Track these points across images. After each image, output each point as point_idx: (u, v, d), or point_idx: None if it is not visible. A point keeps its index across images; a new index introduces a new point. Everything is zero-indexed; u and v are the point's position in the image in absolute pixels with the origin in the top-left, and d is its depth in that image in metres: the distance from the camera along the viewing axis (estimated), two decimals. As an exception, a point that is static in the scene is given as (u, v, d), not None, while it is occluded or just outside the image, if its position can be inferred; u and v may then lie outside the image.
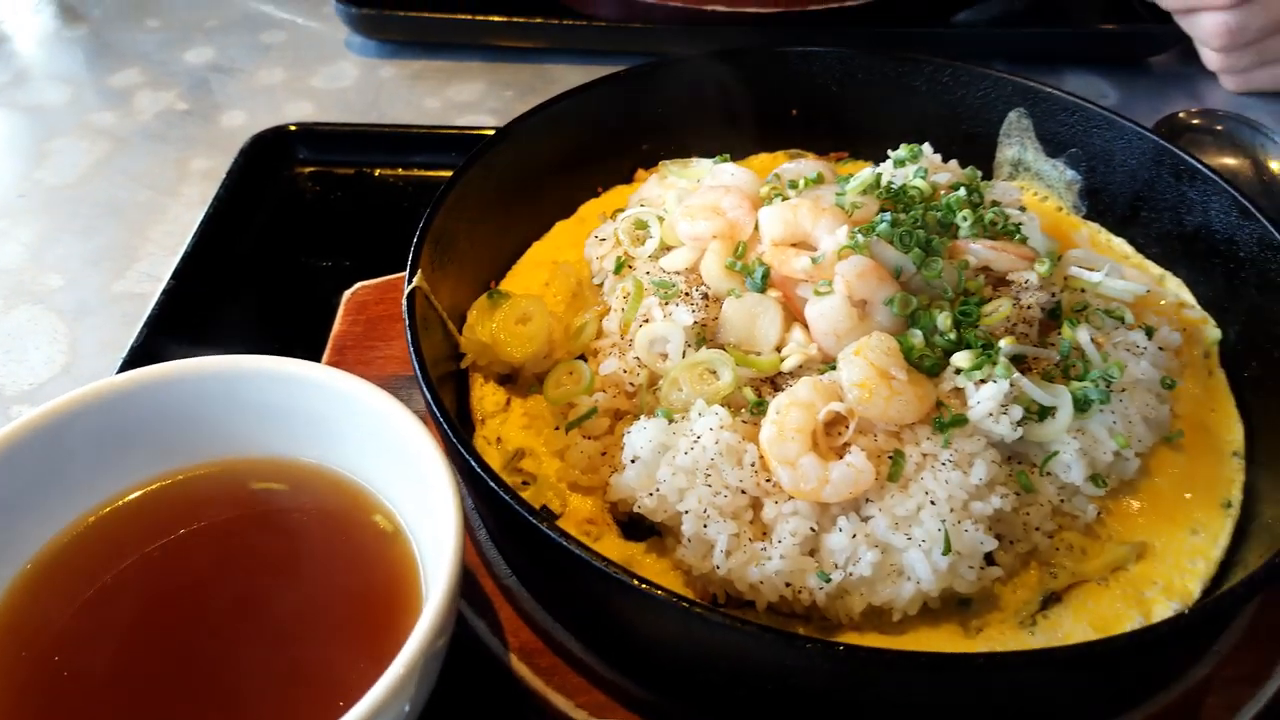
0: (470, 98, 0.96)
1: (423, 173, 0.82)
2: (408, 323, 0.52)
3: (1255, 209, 0.59)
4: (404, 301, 0.53)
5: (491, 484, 0.45)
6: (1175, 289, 0.66)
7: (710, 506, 0.50)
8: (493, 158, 0.64)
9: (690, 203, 0.62)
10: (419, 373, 0.50)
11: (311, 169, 0.81)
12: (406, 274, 0.54)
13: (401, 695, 0.38)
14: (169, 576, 0.47)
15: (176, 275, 0.70)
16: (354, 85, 0.96)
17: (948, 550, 0.48)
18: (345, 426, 0.48)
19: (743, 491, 0.50)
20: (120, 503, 0.49)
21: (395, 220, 0.75)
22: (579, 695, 0.48)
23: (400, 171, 0.82)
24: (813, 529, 0.49)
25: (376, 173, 0.81)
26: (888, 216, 0.56)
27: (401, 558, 0.46)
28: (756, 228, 0.59)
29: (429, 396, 0.49)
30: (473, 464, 0.46)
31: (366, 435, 0.47)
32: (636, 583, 0.41)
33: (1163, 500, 0.55)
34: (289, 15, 1.06)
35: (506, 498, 0.44)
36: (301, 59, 1.00)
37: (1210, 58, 0.91)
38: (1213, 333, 0.63)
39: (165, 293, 0.72)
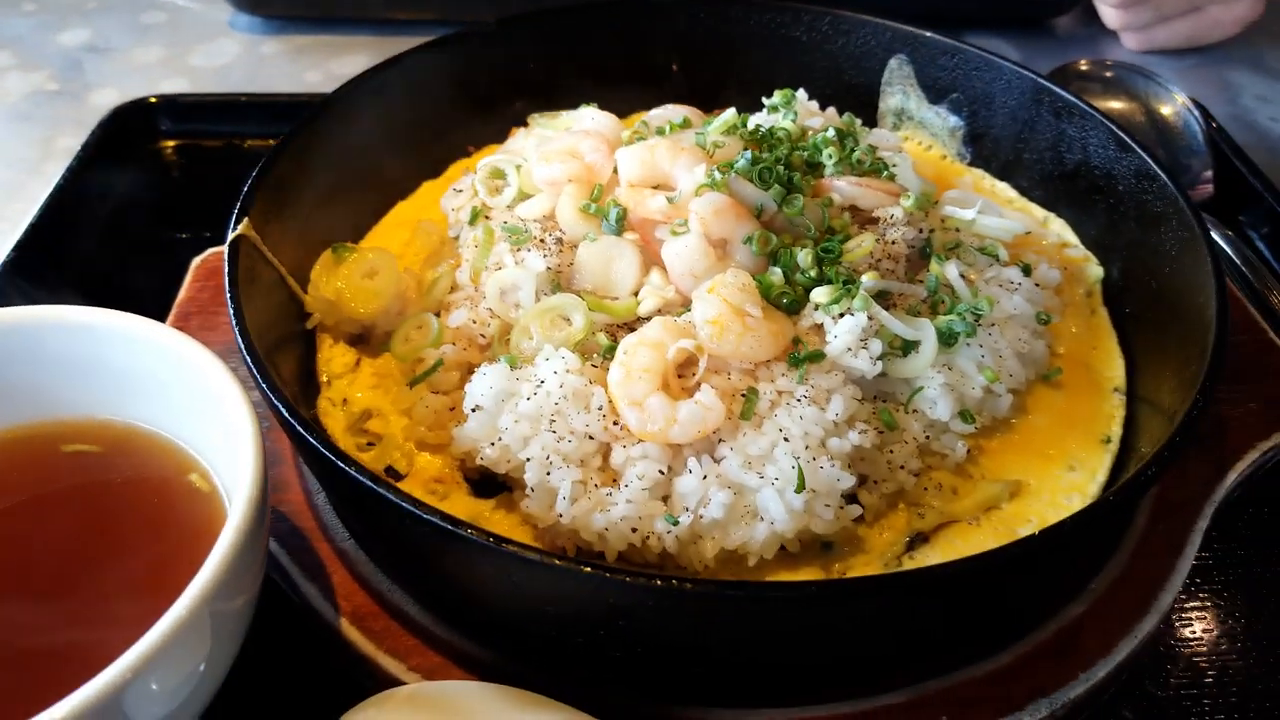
0: (353, 69, 0.92)
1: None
2: (226, 273, 0.48)
3: (1132, 141, 0.58)
4: (225, 252, 0.50)
5: (315, 443, 0.42)
6: (1059, 230, 0.64)
7: (554, 454, 0.47)
8: (345, 111, 0.61)
9: (547, 148, 0.59)
10: (236, 326, 0.46)
11: (176, 142, 0.77)
12: (231, 223, 0.51)
13: (178, 648, 0.34)
14: None
15: (19, 247, 0.66)
16: (233, 62, 0.93)
17: (801, 488, 0.45)
18: (157, 379, 0.45)
19: (590, 437, 0.47)
20: None
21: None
22: (412, 658, 0.45)
23: (272, 142, 0.78)
24: (662, 472, 0.47)
25: (247, 144, 0.78)
26: (748, 155, 0.54)
27: (216, 517, 0.43)
28: (616, 172, 0.57)
29: (245, 348, 0.45)
30: (295, 424, 0.42)
31: (178, 387, 0.44)
32: (468, 532, 0.38)
33: (1039, 437, 0.53)
34: (168, 3, 1.02)
35: (328, 454, 0.41)
36: (181, 38, 0.96)
37: (1110, 15, 0.91)
38: (1095, 270, 0.61)
39: (6, 263, 0.68)
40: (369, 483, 0.39)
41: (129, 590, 0.41)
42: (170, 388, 0.44)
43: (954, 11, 0.95)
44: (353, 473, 0.40)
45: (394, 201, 0.66)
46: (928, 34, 0.68)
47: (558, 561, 0.37)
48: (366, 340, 0.57)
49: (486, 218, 0.58)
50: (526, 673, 0.42)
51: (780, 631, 0.40)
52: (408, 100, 0.66)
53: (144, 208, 0.72)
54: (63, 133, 0.83)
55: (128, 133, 0.76)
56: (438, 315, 0.56)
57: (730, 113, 0.59)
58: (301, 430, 0.42)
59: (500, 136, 0.69)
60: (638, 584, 0.37)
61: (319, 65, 0.92)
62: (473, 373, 0.53)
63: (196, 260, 0.64)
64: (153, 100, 0.76)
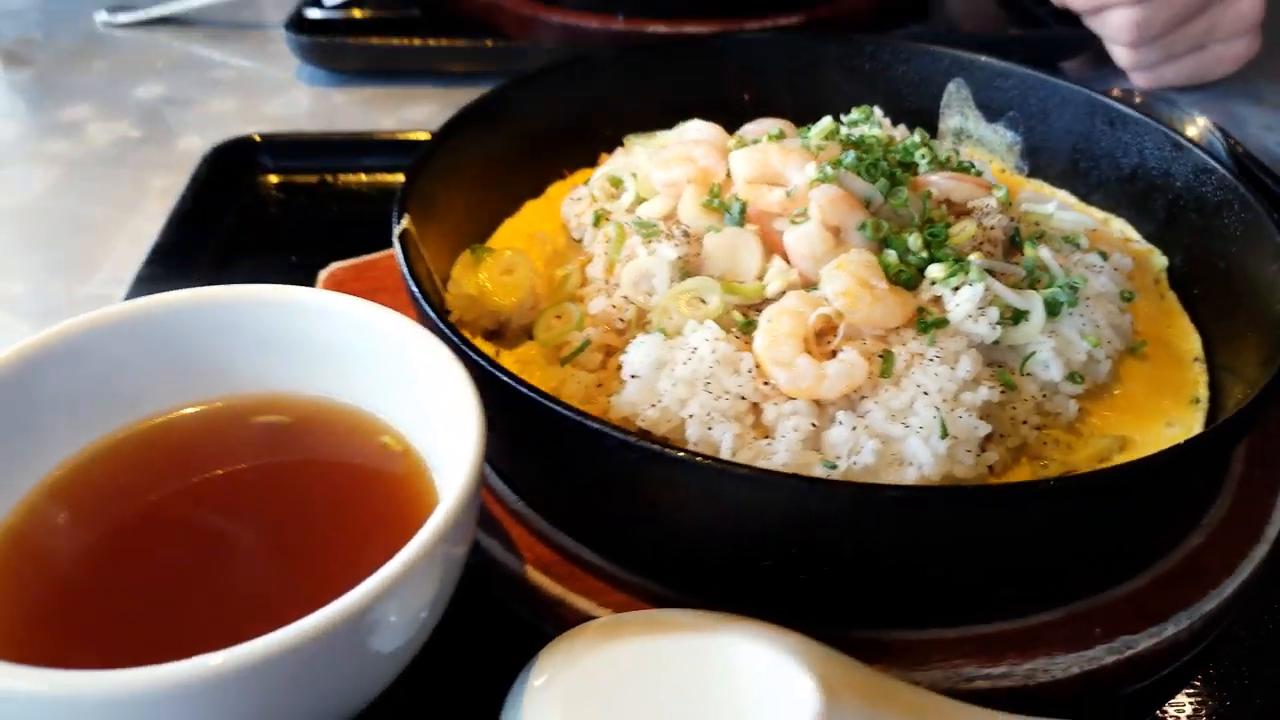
0: (423, 117, 0.98)
1: (385, 177, 0.83)
2: (404, 260, 0.52)
3: (1186, 140, 0.64)
4: (396, 243, 0.54)
5: (506, 379, 0.45)
6: (1120, 228, 0.70)
7: (713, 410, 0.50)
8: (464, 129, 0.66)
9: (662, 155, 0.64)
10: (425, 303, 0.50)
11: (274, 177, 0.82)
12: (395, 215, 0.55)
13: (414, 581, 0.37)
14: (172, 505, 0.46)
15: (142, 276, 0.69)
16: (307, 111, 0.97)
17: (945, 434, 0.49)
18: (350, 352, 0.48)
19: (742, 398, 0.51)
20: (119, 437, 0.48)
21: (360, 223, 0.76)
22: (601, 596, 0.47)
23: (363, 177, 0.83)
24: (813, 425, 0.50)
25: (339, 179, 0.82)
26: (852, 154, 0.59)
27: (413, 472, 0.46)
28: (728, 175, 0.62)
29: (441, 322, 0.48)
30: (483, 364, 0.45)
31: (373, 358, 0.47)
32: (657, 446, 0.41)
33: (1136, 400, 0.58)
34: (237, 58, 1.08)
35: (524, 390, 0.44)
36: (253, 91, 1.01)
37: (1120, 54, 0.97)
38: (1160, 260, 0.67)
39: (133, 291, 0.71)
40: (574, 415, 0.43)
41: (336, 541, 0.43)
42: (365, 359, 0.47)
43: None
44: (560, 408, 0.43)
45: (500, 220, 0.71)
46: (982, 59, 0.74)
47: (769, 474, 0.42)
48: (502, 335, 0.61)
49: (609, 219, 0.63)
50: (708, 606, 0.45)
51: (988, 536, 0.44)
52: (514, 126, 0.70)
53: (252, 236, 0.75)
54: (155, 174, 0.87)
55: (230, 168, 0.80)
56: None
57: (827, 120, 0.65)
58: (508, 379, 0.45)
59: (589, 161, 0.74)
60: (871, 495, 0.41)
61: (391, 113, 0.96)
62: (610, 354, 0.57)
63: (323, 274, 0.68)
64: (256, 139, 0.80)
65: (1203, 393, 0.59)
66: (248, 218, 0.80)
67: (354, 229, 0.77)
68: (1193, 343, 0.62)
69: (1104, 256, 0.62)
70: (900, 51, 0.76)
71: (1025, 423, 0.54)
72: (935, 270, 0.55)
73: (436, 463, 0.45)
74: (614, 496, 0.47)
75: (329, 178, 0.82)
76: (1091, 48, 1.00)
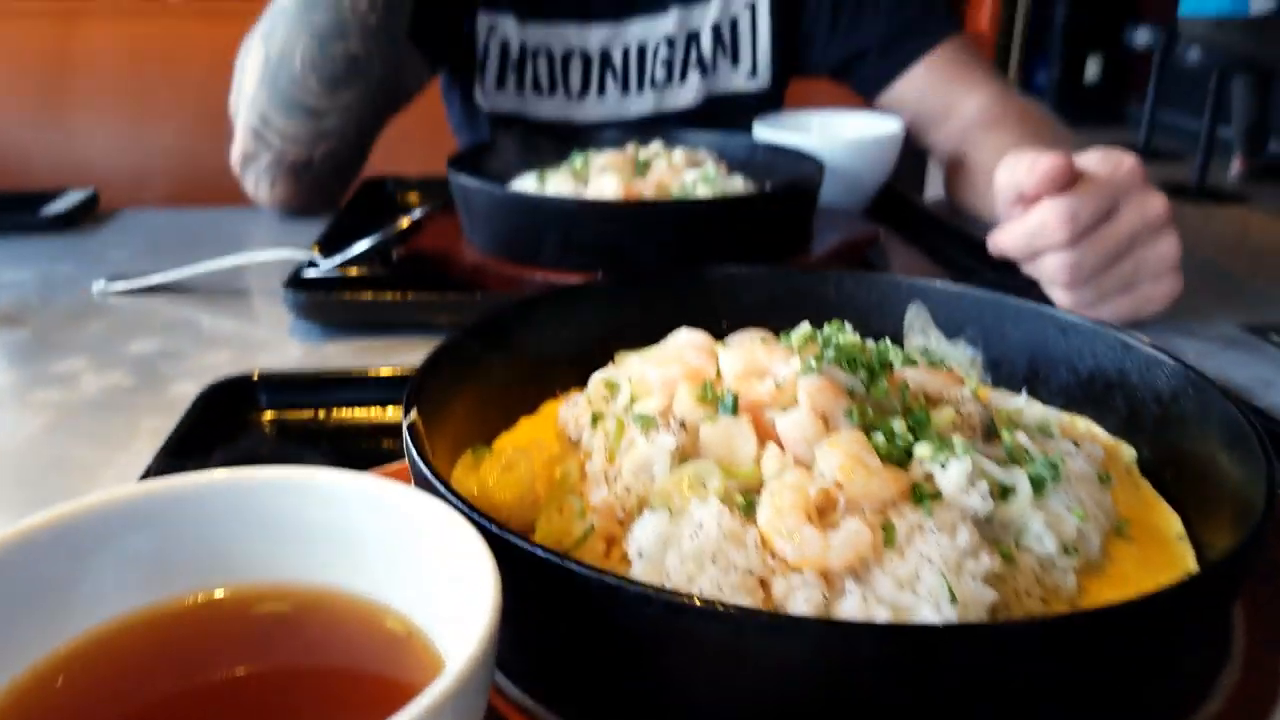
0: (417, 361, 1.01)
1: (378, 412, 0.85)
2: (415, 450, 0.53)
3: (1133, 339, 0.69)
4: (406, 434, 0.55)
5: (533, 549, 0.45)
6: (1086, 426, 0.73)
7: (723, 585, 0.50)
8: (466, 345, 0.69)
9: (655, 355, 0.68)
10: (441, 488, 0.51)
11: (269, 413, 0.84)
12: (404, 412, 0.57)
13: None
14: (162, 697, 0.43)
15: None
16: (298, 362, 1.01)
17: (954, 600, 0.49)
18: (358, 532, 0.48)
19: (750, 572, 0.51)
20: (110, 627, 0.46)
21: (353, 459, 0.77)
22: None
23: (357, 412, 0.85)
24: (824, 596, 0.50)
25: (333, 414, 0.84)
26: (832, 352, 0.63)
27: (418, 655, 0.44)
28: (718, 373, 0.65)
29: (459, 500, 0.49)
30: (521, 545, 0.45)
31: (381, 536, 0.47)
32: (697, 601, 0.41)
33: (1130, 577, 0.58)
34: (230, 319, 1.13)
35: (549, 556, 0.44)
36: (246, 345, 1.05)
37: (1059, 296, 1.06)
38: (1128, 451, 0.70)
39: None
40: (612, 580, 0.42)
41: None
42: (375, 544, 0.47)
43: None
44: (591, 572, 0.43)
45: (497, 433, 0.73)
46: (938, 283, 0.81)
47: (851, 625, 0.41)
48: (501, 533, 0.61)
49: (607, 418, 0.66)
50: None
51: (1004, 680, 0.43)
52: (511, 348, 0.74)
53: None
54: (146, 416, 0.88)
55: (225, 404, 0.82)
56: (569, 504, 0.61)
57: (805, 325, 0.70)
58: (529, 548, 0.45)
59: (582, 381, 0.78)
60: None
61: (382, 359, 1.00)
62: (614, 545, 0.57)
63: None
64: (255, 377, 0.83)
65: (1193, 566, 0.60)
66: (240, 450, 0.81)
67: (347, 464, 0.78)
68: (1174, 523, 0.64)
69: (1076, 445, 0.65)
70: (862, 280, 0.83)
71: (1028, 594, 0.54)
72: (922, 449, 0.57)
73: (443, 641, 0.44)
74: (640, 667, 0.46)
75: (322, 413, 0.84)
76: (1031, 293, 1.08)
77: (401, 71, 1.51)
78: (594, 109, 1.79)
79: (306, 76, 1.39)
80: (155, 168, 2.41)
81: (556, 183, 1.19)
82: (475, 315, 1.06)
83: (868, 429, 0.59)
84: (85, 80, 2.43)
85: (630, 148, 1.30)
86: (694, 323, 0.83)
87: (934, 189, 2.64)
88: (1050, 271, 1.03)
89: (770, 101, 1.83)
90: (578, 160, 1.27)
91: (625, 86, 1.77)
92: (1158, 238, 1.02)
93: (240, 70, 1.46)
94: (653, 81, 1.76)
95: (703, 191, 1.15)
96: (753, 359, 0.64)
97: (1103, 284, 1.03)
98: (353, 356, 1.02)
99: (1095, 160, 1.00)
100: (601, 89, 1.77)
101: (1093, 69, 9.94)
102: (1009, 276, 1.09)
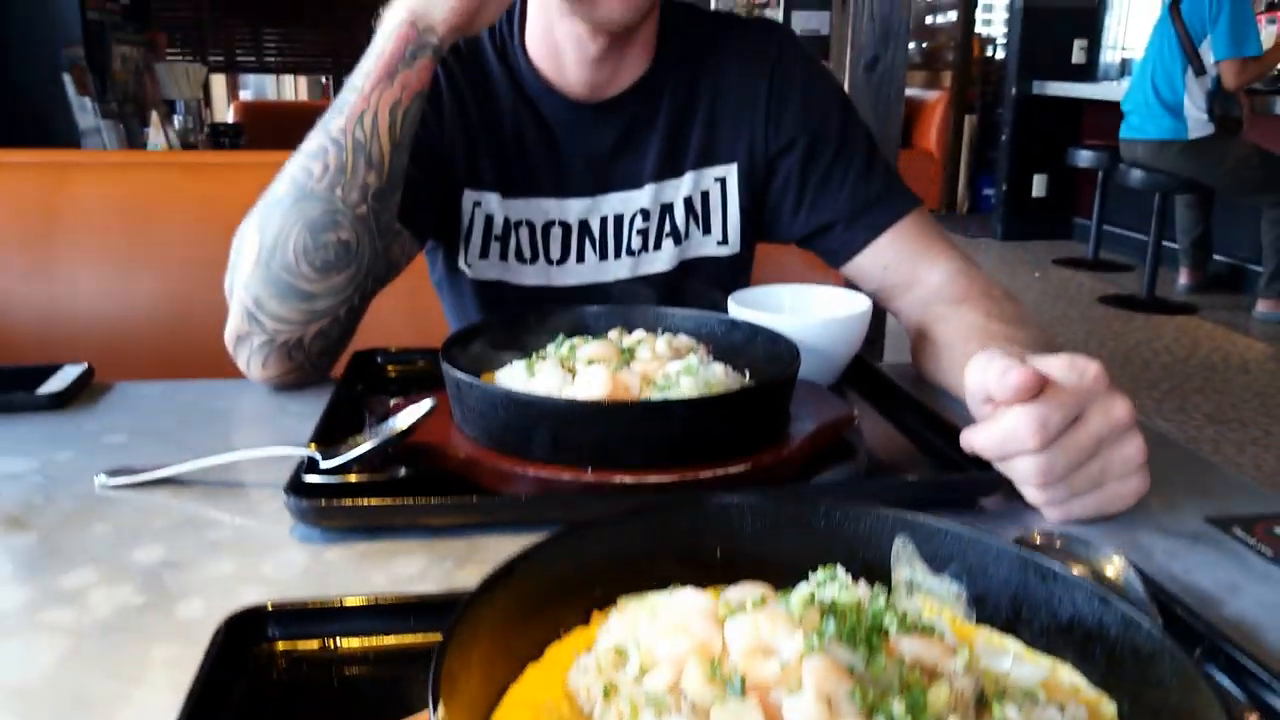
0: (413, 571, 1.05)
1: (386, 640, 0.88)
2: None
3: (1111, 596, 0.74)
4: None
5: None
6: (1068, 676, 0.77)
7: None
8: (472, 616, 0.73)
9: (660, 625, 0.72)
10: None
11: (281, 644, 0.86)
12: (431, 708, 0.60)
13: None
14: None
15: (163, 752, 0.71)
16: (302, 570, 1.04)
17: None
18: None
19: None
20: None
21: (367, 686, 0.80)
22: None
23: (369, 640, 0.88)
24: None
25: (343, 644, 0.87)
26: (832, 624, 0.67)
27: None
28: (724, 644, 0.69)
29: None
30: None
31: None
32: None
33: None
34: (231, 516, 1.15)
35: None
36: (250, 550, 1.07)
37: (1031, 494, 1.12)
38: (1109, 707, 0.74)
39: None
40: None
41: None
42: None
43: (907, 500, 1.16)
44: None
45: (506, 685, 0.75)
46: (921, 517, 0.86)
47: None
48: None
49: (617, 690, 0.69)
50: None
51: None
52: (515, 596, 0.78)
53: (264, 702, 0.78)
54: (158, 644, 0.90)
55: (240, 640, 0.84)
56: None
57: (803, 588, 0.74)
58: None
59: (584, 618, 0.81)
60: None
61: (382, 568, 1.03)
62: (633, 830, 0.60)
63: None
64: (268, 609, 0.86)
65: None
66: (258, 690, 0.83)
67: (360, 696, 0.81)
68: (1155, 786, 0.68)
69: (1061, 709, 0.70)
70: (850, 512, 0.88)
71: None
72: (923, 731, 0.62)
73: None
74: None
75: (333, 643, 0.87)
76: (1005, 488, 1.14)
77: (390, 250, 1.57)
78: (573, 274, 1.86)
79: (299, 264, 1.45)
80: (141, 318, 2.45)
81: (545, 375, 1.25)
82: (472, 514, 1.11)
83: (870, 710, 0.63)
84: (72, 232, 2.48)
85: (615, 334, 1.36)
86: (689, 550, 0.87)
87: (892, 354, 2.75)
88: (1022, 473, 1.09)
89: (741, 264, 1.92)
90: (565, 346, 1.32)
91: (603, 254, 1.85)
92: (1123, 440, 1.09)
93: (236, 252, 1.52)
94: (629, 250, 1.84)
95: (685, 383, 1.21)
96: (757, 635, 0.68)
97: (1073, 483, 1.09)
98: (355, 561, 1.05)
99: (1061, 368, 1.07)
100: (581, 256, 1.85)
101: (1039, 185, 10.37)
102: (982, 469, 1.14)
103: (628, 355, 1.29)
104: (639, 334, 1.36)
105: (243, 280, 1.50)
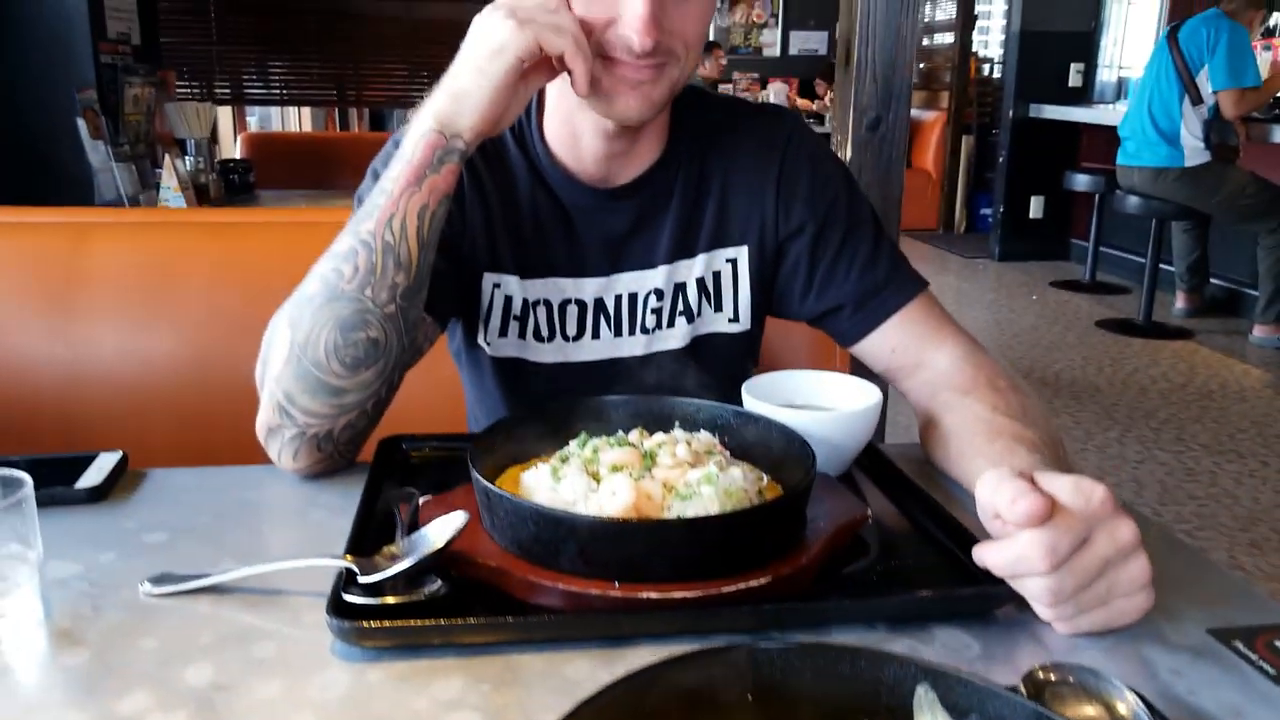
0: (453, 695, 1.09)
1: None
2: None
3: (1121, 761, 0.79)
4: None
5: None
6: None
7: None
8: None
9: None
10: None
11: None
12: None
13: None
14: None
15: None
16: (346, 692, 1.08)
17: None
18: None
19: None
20: None
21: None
22: None
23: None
24: None
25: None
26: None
27: None
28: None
29: None
30: None
31: None
32: None
33: None
34: (275, 626, 1.20)
35: None
36: (293, 670, 1.12)
37: (1041, 610, 1.17)
38: None
39: None
40: None
41: None
42: None
43: (921, 613, 1.21)
44: None
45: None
46: (943, 667, 0.91)
47: None
48: None
49: None
50: None
51: None
52: None
53: None
54: (213, 774, 0.95)
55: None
56: None
57: None
58: None
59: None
60: None
61: (422, 690, 1.07)
62: None
63: None
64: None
65: None
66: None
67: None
68: None
69: None
70: (876, 658, 0.93)
71: None
72: None
73: None
74: None
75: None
76: (1016, 600, 1.19)
77: (415, 339, 1.63)
78: (589, 351, 1.92)
79: (330, 361, 1.50)
80: (161, 378, 2.50)
81: (571, 481, 1.30)
82: (506, 633, 1.16)
83: None
84: (92, 292, 2.53)
85: (636, 435, 1.41)
86: (722, 691, 0.92)
87: (894, 434, 2.80)
88: (1033, 592, 1.14)
89: (751, 339, 1.98)
90: (588, 448, 1.37)
91: (618, 331, 1.90)
92: (1129, 561, 1.14)
93: (267, 346, 1.57)
94: (644, 328, 1.89)
95: (706, 491, 1.26)
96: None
97: (1081, 601, 1.14)
98: (396, 681, 1.10)
99: (1069, 491, 1.12)
100: (596, 333, 1.90)
101: (1036, 207, 10.45)
102: (994, 582, 1.19)
103: (649, 460, 1.34)
104: (659, 436, 1.41)
105: (274, 375, 1.55)
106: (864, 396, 1.61)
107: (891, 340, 1.81)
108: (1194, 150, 7.40)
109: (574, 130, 1.77)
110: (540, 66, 1.59)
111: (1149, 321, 8.04)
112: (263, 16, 6.42)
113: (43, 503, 1.43)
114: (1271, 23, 9.06)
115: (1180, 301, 8.54)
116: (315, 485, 1.61)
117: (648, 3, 1.46)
